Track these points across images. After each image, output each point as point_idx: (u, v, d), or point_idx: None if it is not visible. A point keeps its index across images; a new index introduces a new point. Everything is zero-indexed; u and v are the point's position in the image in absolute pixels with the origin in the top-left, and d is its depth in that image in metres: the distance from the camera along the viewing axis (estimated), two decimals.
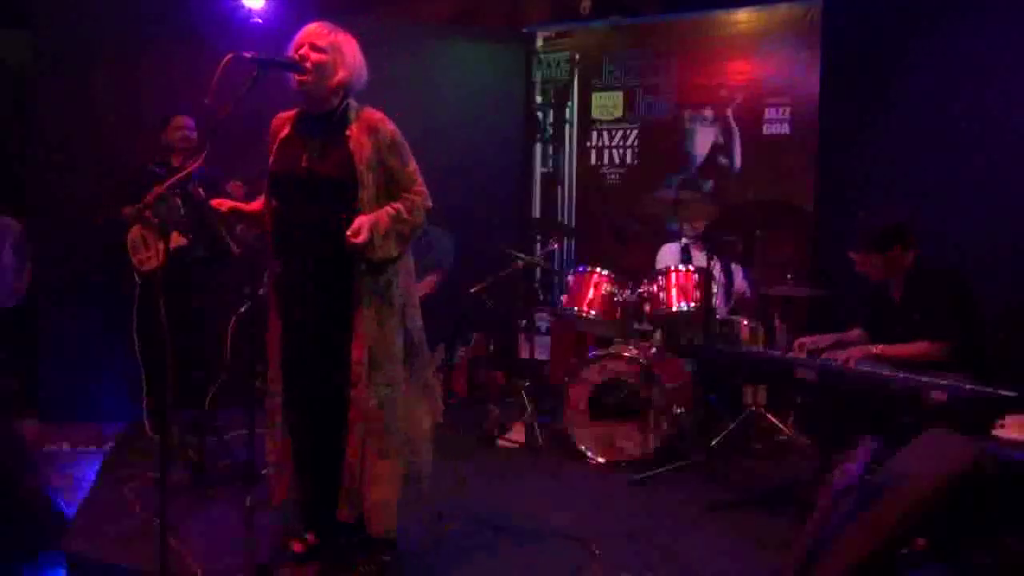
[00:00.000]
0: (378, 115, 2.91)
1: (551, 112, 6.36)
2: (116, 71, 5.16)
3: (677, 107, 5.87)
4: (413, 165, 2.93)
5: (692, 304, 4.46)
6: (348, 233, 2.68)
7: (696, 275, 4.51)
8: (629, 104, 6.03)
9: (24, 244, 4.79)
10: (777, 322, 4.78)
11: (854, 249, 3.63)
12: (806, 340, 3.74)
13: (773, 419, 4.78)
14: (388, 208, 2.83)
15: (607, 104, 6.11)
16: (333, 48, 2.83)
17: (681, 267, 4.61)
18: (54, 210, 5.07)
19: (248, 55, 2.69)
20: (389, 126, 2.88)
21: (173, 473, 3.78)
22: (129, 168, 4.74)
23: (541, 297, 6.14)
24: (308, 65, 2.79)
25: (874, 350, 3.52)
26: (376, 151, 2.83)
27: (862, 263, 3.63)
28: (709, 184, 5.77)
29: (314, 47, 2.81)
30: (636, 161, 6.04)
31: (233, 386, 4.31)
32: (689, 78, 5.83)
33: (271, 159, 2.90)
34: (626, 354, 4.44)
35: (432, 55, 6.03)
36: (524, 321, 5.18)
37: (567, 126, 6.30)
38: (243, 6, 5.26)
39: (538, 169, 6.43)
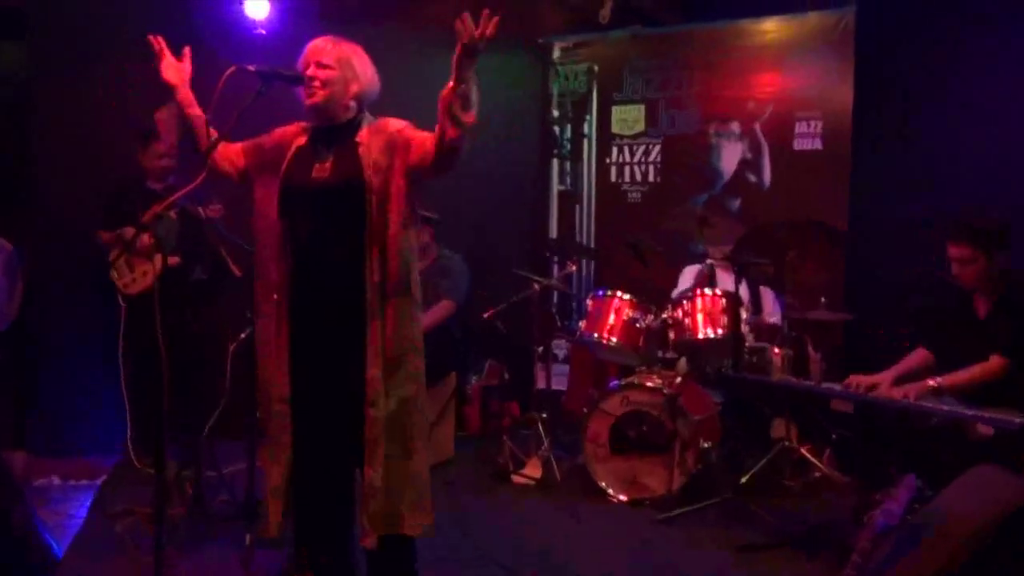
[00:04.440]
0: (390, 118, 2.95)
1: (569, 126, 6.39)
2: (114, 84, 5.21)
3: (702, 121, 5.87)
4: None
5: (719, 331, 4.44)
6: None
7: (723, 300, 4.49)
8: (651, 118, 6.05)
9: (16, 265, 4.83)
10: (810, 349, 4.75)
11: (957, 241, 3.46)
12: (862, 380, 3.57)
13: (807, 454, 4.74)
14: None
15: (628, 118, 6.13)
16: (341, 62, 2.86)
17: (707, 291, 4.59)
18: (49, 233, 5.11)
19: (252, 68, 2.72)
20: (400, 122, 2.92)
21: (168, 509, 3.78)
22: (125, 184, 4.79)
23: (558, 323, 6.13)
24: (316, 84, 2.81)
25: (932, 383, 3.40)
26: (384, 151, 2.84)
27: (962, 261, 3.47)
28: (736, 202, 5.76)
29: (320, 64, 2.83)
30: (659, 178, 6.04)
31: (233, 416, 4.32)
32: (715, 90, 5.84)
33: (284, 166, 2.90)
34: (649, 384, 4.42)
35: (441, 67, 6.04)
36: (540, 348, 5.16)
37: (586, 141, 6.32)
38: (246, 16, 5.32)
39: (555, 187, 6.44)
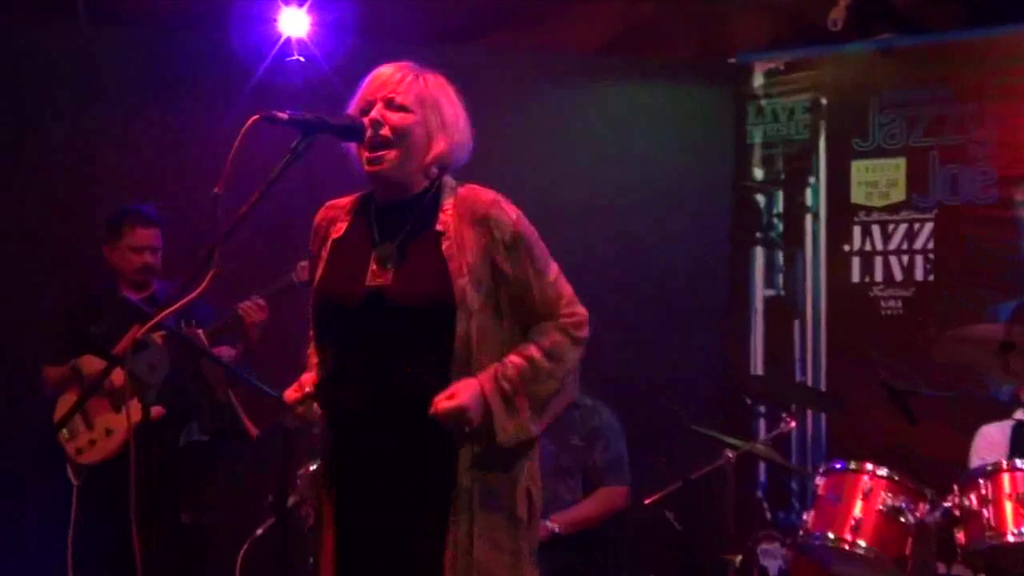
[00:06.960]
0: (488, 195, 2.96)
1: (780, 194, 6.43)
2: (77, 154, 5.50)
3: (1001, 182, 5.83)
4: (555, 271, 2.95)
5: None
6: (437, 399, 2.73)
7: None
8: (918, 179, 6.03)
9: None
10: None
11: None
12: None
13: None
14: (507, 363, 2.84)
15: (878, 180, 6.13)
16: (424, 104, 2.91)
17: (1020, 462, 4.47)
18: None
19: (284, 114, 2.81)
20: (508, 212, 2.93)
21: None
22: (88, 293, 4.98)
23: (768, 514, 6.04)
24: (385, 132, 2.88)
25: None
26: (486, 253, 2.88)
27: None
28: None
29: (392, 104, 2.88)
30: (931, 276, 5.99)
31: None
32: (1022, 134, 5.79)
33: (319, 272, 2.99)
34: None
35: (579, 103, 6.20)
36: (739, 557, 5.08)
37: (809, 218, 6.33)
38: (278, 34, 5.58)
39: (759, 290, 6.45)
